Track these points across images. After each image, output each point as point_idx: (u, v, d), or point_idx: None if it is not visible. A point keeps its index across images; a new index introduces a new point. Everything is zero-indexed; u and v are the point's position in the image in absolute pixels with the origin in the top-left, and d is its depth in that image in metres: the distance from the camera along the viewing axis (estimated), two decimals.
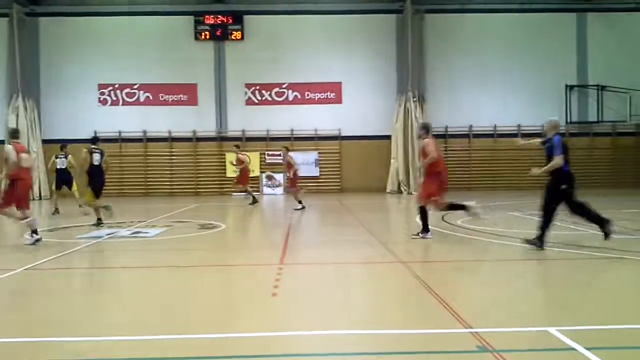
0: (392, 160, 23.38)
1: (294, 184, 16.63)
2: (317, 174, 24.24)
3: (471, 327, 4.48)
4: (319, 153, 24.23)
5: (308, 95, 24.45)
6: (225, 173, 24.02)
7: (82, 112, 23.76)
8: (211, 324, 4.86)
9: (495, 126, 24.35)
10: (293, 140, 24.11)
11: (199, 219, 14.00)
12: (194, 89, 24.20)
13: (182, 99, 24.20)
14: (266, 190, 23.76)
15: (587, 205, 8.26)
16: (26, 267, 7.44)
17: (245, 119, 24.14)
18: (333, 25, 24.35)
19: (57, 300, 5.99)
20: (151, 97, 24.10)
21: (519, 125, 24.29)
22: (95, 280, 7.14)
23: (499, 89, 24.47)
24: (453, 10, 24.33)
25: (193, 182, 24.11)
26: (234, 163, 18.52)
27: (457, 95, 24.42)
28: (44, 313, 5.40)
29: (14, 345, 4.37)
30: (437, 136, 24.38)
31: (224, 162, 24.02)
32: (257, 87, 24.36)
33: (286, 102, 24.44)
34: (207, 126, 24.17)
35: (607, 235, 8.28)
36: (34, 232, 9.47)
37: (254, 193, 18.64)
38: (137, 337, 4.49)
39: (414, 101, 23.28)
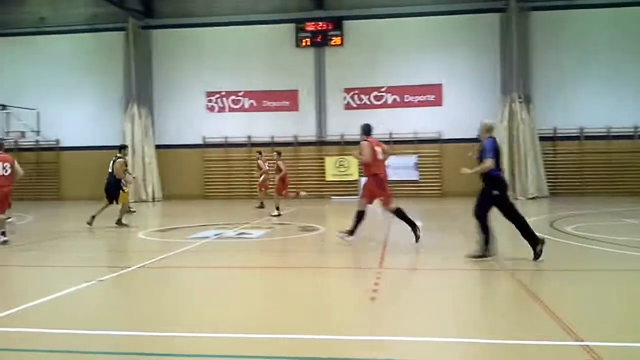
0: None
1: (282, 189, 16.47)
2: (417, 178, 23.92)
3: (582, 340, 4.25)
4: (419, 157, 23.92)
5: (407, 98, 24.21)
6: (324, 177, 24.33)
7: (191, 118, 25.00)
8: (309, 325, 4.94)
9: (608, 128, 22.86)
10: (392, 143, 23.98)
11: (300, 221, 14.28)
12: (295, 95, 24.73)
13: (284, 105, 24.81)
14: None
15: (524, 219, 7.80)
16: (140, 265, 7.94)
17: (344, 123, 24.30)
18: (433, 27, 23.97)
19: (166, 297, 6.35)
20: (255, 104, 24.92)
21: (635, 127, 22.66)
22: (201, 278, 7.49)
23: (611, 88, 22.92)
24: (560, 6, 23.11)
25: (293, 186, 24.60)
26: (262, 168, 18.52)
27: (566, 95, 23.16)
28: (153, 308, 5.74)
29: (122, 338, 4.67)
30: (545, 138, 23.69)
31: (323, 166, 24.34)
32: (356, 92, 24.47)
33: (385, 105, 24.36)
34: (307, 131, 24.61)
35: (537, 255, 7.55)
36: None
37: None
38: (237, 334, 4.65)
39: (519, 102, 22.39)
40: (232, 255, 9.09)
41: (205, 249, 9.70)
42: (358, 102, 24.49)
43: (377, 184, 9.45)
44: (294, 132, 24.53)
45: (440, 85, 24.02)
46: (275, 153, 17.39)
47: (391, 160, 22.18)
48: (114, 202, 13.22)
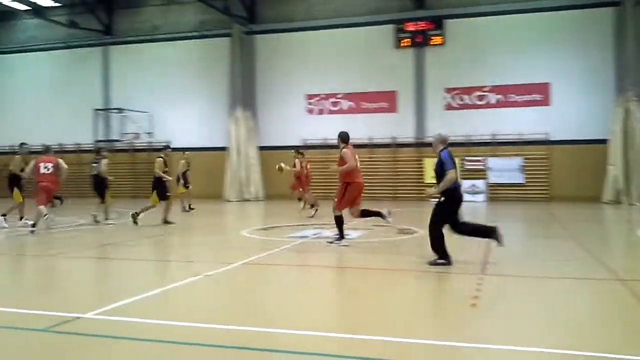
0: (609, 167, 21.22)
1: (297, 187, 16.77)
2: (522, 181, 22.97)
3: None
4: (524, 159, 22.95)
5: (512, 97, 23.32)
6: (423, 179, 23.98)
7: (292, 121, 25.56)
8: (406, 329, 4.89)
9: None
10: (495, 145, 23.20)
11: (398, 223, 14.18)
12: (394, 96, 24.57)
13: (382, 106, 24.73)
14: (466, 197, 23.13)
15: (471, 225, 8.04)
16: (243, 262, 8.23)
17: (445, 124, 23.81)
18: (539, 23, 22.92)
19: (267, 293, 6.53)
20: (353, 106, 25.05)
21: None
22: (301, 276, 7.64)
23: None
24: None
25: (392, 187, 24.48)
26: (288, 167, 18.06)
27: None
28: (255, 304, 5.92)
29: (225, 331, 4.85)
30: None
31: (422, 167, 24.00)
32: (457, 92, 23.91)
33: (488, 105, 23.61)
34: (406, 132, 24.37)
35: (498, 242, 7.89)
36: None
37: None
38: (334, 334, 4.69)
39: (635, 101, 20.86)
40: (330, 255, 9.18)
41: (304, 248, 9.89)
42: (460, 102, 23.92)
43: (359, 191, 10.13)
44: (392, 134, 24.38)
45: (548, 84, 22.93)
46: (294, 152, 17.88)
47: (494, 163, 21.89)
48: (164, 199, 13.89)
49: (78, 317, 5.16)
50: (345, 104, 25.15)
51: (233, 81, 25.34)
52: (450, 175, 7.58)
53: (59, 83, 28.60)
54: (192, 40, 26.58)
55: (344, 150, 10.15)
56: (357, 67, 24.76)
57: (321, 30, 25.15)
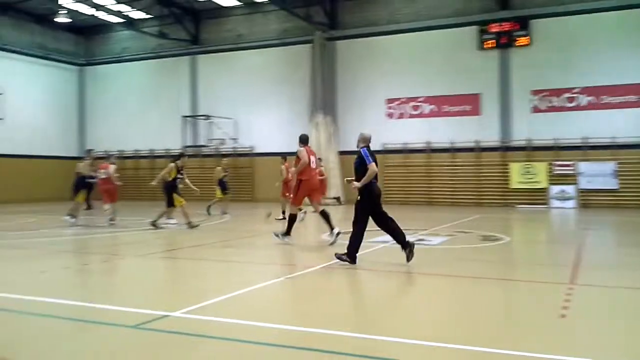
0: None
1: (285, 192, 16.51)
2: (616, 187, 21.72)
3: None
4: (618, 163, 21.70)
5: (604, 99, 22.13)
6: (508, 184, 23.22)
7: (372, 125, 25.39)
8: (493, 339, 4.74)
9: None
10: (586, 149, 22.09)
11: (481, 230, 13.80)
12: (477, 99, 23.98)
13: (465, 109, 24.20)
14: (555, 203, 22.21)
15: (394, 224, 8.20)
16: (323, 265, 8.29)
17: (531, 127, 22.98)
18: (633, 21, 21.64)
19: (347, 297, 6.54)
20: (435, 109, 24.66)
21: None
22: (381, 281, 7.59)
23: None
24: None
25: (475, 193, 23.87)
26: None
27: None
28: (334, 308, 5.94)
29: (306, 334, 4.89)
30: None
31: (508, 172, 23.25)
32: (545, 94, 22.98)
33: (578, 108, 22.53)
34: (490, 136, 23.71)
35: (407, 259, 8.01)
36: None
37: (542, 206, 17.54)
38: (414, 341, 4.62)
39: None
40: (412, 261, 9.07)
41: (384, 253, 9.82)
42: (548, 105, 23.00)
43: (312, 187, 10.86)
44: (476, 138, 23.78)
45: None
46: (281, 158, 18.18)
47: (585, 168, 20.90)
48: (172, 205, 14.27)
49: (166, 315, 5.38)
50: (427, 107, 24.80)
51: (314, 87, 25.64)
52: (372, 168, 8.04)
53: (150, 91, 30.04)
54: (275, 48, 27.17)
55: (300, 149, 11.10)
56: (439, 69, 24.39)
57: (403, 34, 24.97)
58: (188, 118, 28.63)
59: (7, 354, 4.31)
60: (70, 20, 27.35)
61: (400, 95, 25.14)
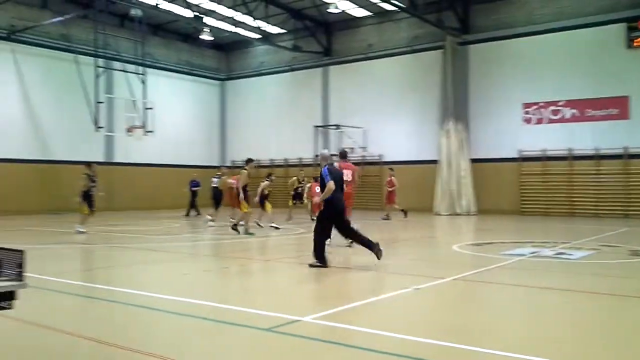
0: None
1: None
2: None
3: None
4: None
5: None
6: None
7: (507, 131, 24.43)
8: None
9: None
10: None
11: (631, 244, 12.68)
12: (625, 102, 22.08)
13: (611, 113, 22.38)
14: None
15: (358, 232, 9.25)
16: (454, 277, 8.08)
17: None
18: None
19: (478, 311, 6.31)
20: (577, 114, 23.08)
21: None
22: (515, 297, 7.23)
23: None
24: None
25: (622, 203, 21.96)
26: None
27: None
28: (465, 321, 5.76)
29: (432, 346, 4.78)
30: None
31: None
32: None
33: None
34: None
35: (377, 257, 8.97)
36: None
37: None
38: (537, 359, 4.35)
39: None
40: (550, 276, 8.55)
41: (520, 267, 9.36)
42: None
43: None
44: (624, 144, 21.90)
45: None
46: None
47: None
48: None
49: (297, 320, 5.54)
50: (568, 112, 23.30)
51: (445, 93, 25.14)
52: (329, 185, 8.88)
53: (284, 103, 31.23)
54: (405, 56, 27.05)
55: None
56: (582, 71, 22.83)
57: (541, 35, 23.70)
58: (319, 128, 29.36)
59: (151, 349, 4.68)
60: (212, 38, 29.26)
61: (538, 99, 23.86)
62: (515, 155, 23.99)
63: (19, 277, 2.91)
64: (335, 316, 5.78)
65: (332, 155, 11.66)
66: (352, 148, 27.47)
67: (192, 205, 23.21)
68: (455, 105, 24.89)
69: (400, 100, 27.13)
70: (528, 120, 24.16)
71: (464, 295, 7.35)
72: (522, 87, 24.10)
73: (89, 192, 15.17)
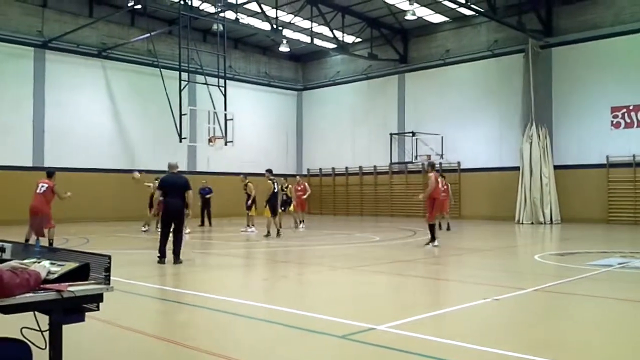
0: None
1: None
2: None
3: None
4: None
5: None
6: None
7: (593, 136, 23.27)
8: None
9: None
10: None
11: None
12: None
13: None
14: None
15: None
16: (535, 288, 7.79)
17: None
18: None
19: (559, 324, 6.04)
20: None
21: None
22: (601, 310, 6.87)
23: None
24: None
25: None
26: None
27: None
28: (545, 334, 5.53)
29: (507, 358, 4.62)
30: None
31: None
32: None
33: None
34: None
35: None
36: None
37: None
38: None
39: None
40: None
41: (607, 278, 8.89)
42: None
43: (433, 208, 13.53)
44: None
45: None
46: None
47: None
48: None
49: (372, 328, 5.52)
50: None
51: (526, 98, 24.30)
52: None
53: (359, 111, 31.28)
54: (483, 60, 26.42)
55: (430, 174, 13.55)
56: None
57: (630, 35, 22.46)
58: (395, 135, 29.17)
59: (232, 354, 4.82)
60: (289, 49, 29.80)
61: (627, 102, 22.59)
62: (603, 161, 22.80)
63: (106, 280, 3.09)
64: (410, 325, 5.72)
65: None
66: (429, 155, 27.11)
67: (207, 214, 22.52)
68: (538, 110, 23.99)
69: (479, 106, 26.50)
70: (617, 125, 22.92)
71: (547, 307, 7.06)
72: (610, 89, 22.91)
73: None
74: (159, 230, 16.64)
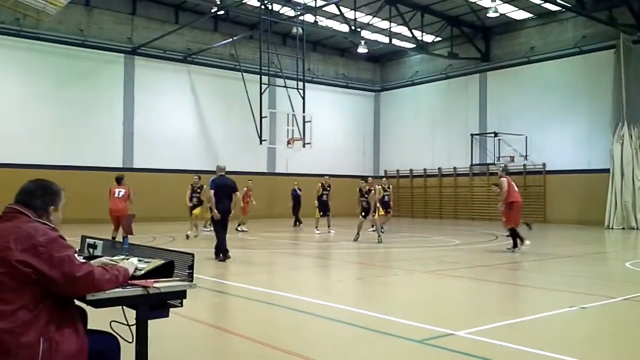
0: None
1: None
2: None
3: None
4: None
5: None
6: None
7: None
8: None
9: None
10: None
11: None
12: None
13: None
14: None
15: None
16: (624, 297, 7.38)
17: None
18: None
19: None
20: None
21: None
22: None
23: None
24: None
25: None
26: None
27: None
28: (635, 345, 5.22)
29: None
30: None
31: None
32: None
33: None
34: None
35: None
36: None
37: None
38: None
39: None
40: None
41: None
42: None
43: (512, 211, 12.89)
44: None
45: None
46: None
47: None
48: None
49: (451, 334, 5.42)
50: None
51: (618, 96, 22.97)
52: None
53: (438, 111, 30.74)
54: (570, 58, 25.26)
55: (502, 179, 12.85)
56: None
57: None
58: (476, 136, 28.42)
59: (311, 354, 4.86)
60: (367, 50, 29.74)
61: None
62: None
63: (190, 277, 3.20)
64: (491, 332, 5.56)
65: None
66: (512, 157, 26.23)
67: (296, 214, 22.62)
68: (630, 109, 22.62)
69: (566, 105, 25.34)
70: None
71: (637, 317, 6.66)
72: None
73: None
74: (206, 229, 17.45)
